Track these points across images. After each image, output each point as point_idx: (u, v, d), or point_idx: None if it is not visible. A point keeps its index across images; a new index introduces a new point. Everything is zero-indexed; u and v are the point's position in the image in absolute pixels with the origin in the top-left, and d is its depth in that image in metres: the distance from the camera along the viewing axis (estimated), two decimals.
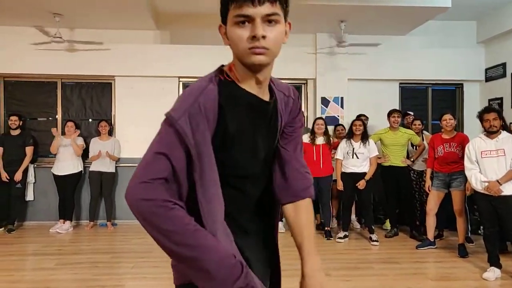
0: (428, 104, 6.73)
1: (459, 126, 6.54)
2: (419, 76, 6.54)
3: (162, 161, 0.92)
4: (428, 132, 6.12)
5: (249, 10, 0.94)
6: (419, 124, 5.33)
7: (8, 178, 5.58)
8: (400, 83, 6.63)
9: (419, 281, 3.55)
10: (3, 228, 5.58)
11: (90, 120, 6.38)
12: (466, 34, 6.56)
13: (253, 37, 0.95)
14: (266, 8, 0.95)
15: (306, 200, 1.22)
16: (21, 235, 5.43)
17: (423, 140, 5.25)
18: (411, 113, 5.88)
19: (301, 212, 1.21)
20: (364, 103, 6.31)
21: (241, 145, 1.04)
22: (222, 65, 1.08)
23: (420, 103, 6.71)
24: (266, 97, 1.09)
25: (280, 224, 5.57)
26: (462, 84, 6.69)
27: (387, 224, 5.51)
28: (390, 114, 5.16)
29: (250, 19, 0.95)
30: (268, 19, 0.96)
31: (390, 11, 5.35)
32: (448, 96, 6.80)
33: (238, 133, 1.02)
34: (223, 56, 4.90)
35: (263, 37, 0.95)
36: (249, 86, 1.04)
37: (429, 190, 4.58)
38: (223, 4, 1.00)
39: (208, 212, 0.97)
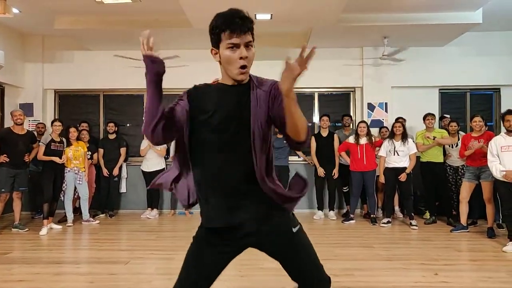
0: (466, 107, 7.36)
1: (497, 127, 7.10)
2: (458, 82, 7.19)
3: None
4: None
5: (237, 40, 1.42)
6: (455, 126, 5.98)
7: (108, 173, 6.93)
8: (440, 89, 7.33)
9: (447, 252, 4.34)
10: (104, 214, 6.94)
11: None
12: (504, 43, 7.13)
13: (241, 58, 1.43)
14: (246, 38, 1.44)
15: None
16: (120, 219, 6.72)
17: (458, 139, 5.92)
18: (448, 116, 6.60)
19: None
20: (406, 108, 7.07)
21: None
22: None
23: (458, 107, 7.36)
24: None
25: (332, 213, 6.52)
26: (499, 89, 7.25)
27: (427, 215, 6.22)
28: (425, 117, 6.00)
29: (237, 45, 1.43)
30: (247, 45, 1.45)
31: (427, 28, 6.13)
32: (486, 100, 7.37)
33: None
34: (277, 69, 6.25)
35: (246, 57, 1.44)
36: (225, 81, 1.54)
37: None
38: (215, 35, 1.45)
39: None
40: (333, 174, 6.34)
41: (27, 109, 7.37)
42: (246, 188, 1.51)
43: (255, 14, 5.29)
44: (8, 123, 6.70)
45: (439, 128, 6.42)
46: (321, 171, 6.39)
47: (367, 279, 3.44)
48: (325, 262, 3.83)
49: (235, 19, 1.42)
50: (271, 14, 5.30)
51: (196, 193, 1.62)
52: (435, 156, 5.89)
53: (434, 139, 5.80)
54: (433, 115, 6.04)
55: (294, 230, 1.59)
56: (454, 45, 7.01)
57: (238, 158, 1.51)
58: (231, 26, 1.41)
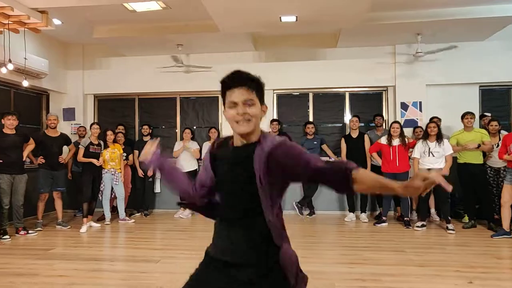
0: (510, 105, 6.95)
1: None
2: (500, 78, 6.81)
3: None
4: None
5: (234, 98, 1.49)
6: (496, 125, 5.67)
7: (143, 174, 7.16)
8: (480, 86, 6.97)
9: (486, 259, 4.13)
10: (140, 213, 7.19)
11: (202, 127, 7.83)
12: None
13: (237, 114, 1.48)
14: (244, 96, 1.48)
15: (357, 172, 1.34)
16: (154, 219, 6.93)
17: (499, 139, 5.62)
18: (488, 114, 6.26)
19: (365, 178, 1.34)
20: (443, 107, 6.80)
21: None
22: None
23: (501, 104, 6.96)
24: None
25: (364, 215, 6.39)
26: None
27: (466, 219, 5.94)
28: (463, 116, 5.71)
29: (236, 104, 1.49)
30: (247, 103, 1.49)
31: (466, 22, 5.84)
32: None
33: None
34: (307, 69, 6.33)
35: (244, 113, 1.48)
36: (236, 141, 1.59)
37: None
38: (222, 93, 1.55)
39: None
40: None
41: (69, 113, 7.80)
42: (244, 241, 1.53)
43: (280, 17, 5.29)
44: None
45: (479, 127, 6.12)
46: None
47: (395, 285, 3.35)
48: (354, 266, 3.85)
49: (235, 80, 1.51)
50: (296, 16, 5.27)
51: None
52: (474, 157, 5.61)
53: (478, 147, 5.53)
54: (472, 113, 5.74)
55: None
56: (495, 39, 6.64)
57: (241, 211, 1.55)
58: (230, 86, 1.51)
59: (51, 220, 6.45)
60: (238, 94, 1.49)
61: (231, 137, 1.64)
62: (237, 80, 1.51)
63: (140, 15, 5.72)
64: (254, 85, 1.52)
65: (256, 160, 1.47)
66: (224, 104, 1.55)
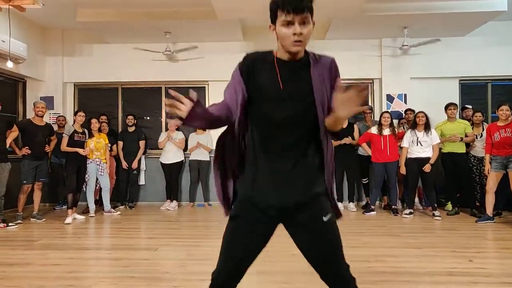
0: (487, 98, 7.28)
1: None
2: (479, 73, 7.12)
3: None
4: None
5: (291, 17, 1.42)
6: (479, 116, 5.95)
7: (127, 166, 6.96)
8: (460, 80, 7.26)
9: (477, 240, 4.32)
10: (124, 206, 6.97)
11: None
12: None
13: (294, 34, 1.44)
14: (302, 15, 1.43)
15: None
16: (140, 211, 6.72)
17: (483, 129, 5.87)
18: (469, 106, 6.54)
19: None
20: (426, 99, 7.01)
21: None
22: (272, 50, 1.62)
23: (479, 98, 7.29)
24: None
25: (352, 204, 6.50)
26: None
27: (449, 206, 6.17)
28: (447, 107, 5.94)
29: (292, 22, 1.44)
30: (303, 22, 1.45)
31: (449, 17, 6.05)
32: (509, 91, 7.28)
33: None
34: None
35: (300, 33, 1.45)
36: (282, 56, 1.55)
37: (488, 173, 5.26)
38: (273, 11, 1.47)
39: None
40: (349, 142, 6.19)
41: (48, 102, 7.36)
42: (298, 168, 1.54)
43: None
44: (30, 115, 6.77)
45: (460, 119, 6.37)
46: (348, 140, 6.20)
47: (400, 265, 3.43)
48: (355, 249, 3.91)
49: (293, 6, 1.43)
50: None
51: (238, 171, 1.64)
52: (458, 146, 5.83)
53: (461, 140, 5.77)
54: (455, 104, 5.98)
55: (325, 219, 1.58)
56: (475, 35, 6.91)
57: (298, 133, 1.54)
58: (287, 4, 1.43)
59: (31, 213, 6.14)
60: (295, 15, 1.43)
61: (268, 53, 1.59)
62: (298, 6, 1.42)
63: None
64: (310, 5, 1.46)
65: (315, 72, 1.52)
66: (273, 21, 1.49)
